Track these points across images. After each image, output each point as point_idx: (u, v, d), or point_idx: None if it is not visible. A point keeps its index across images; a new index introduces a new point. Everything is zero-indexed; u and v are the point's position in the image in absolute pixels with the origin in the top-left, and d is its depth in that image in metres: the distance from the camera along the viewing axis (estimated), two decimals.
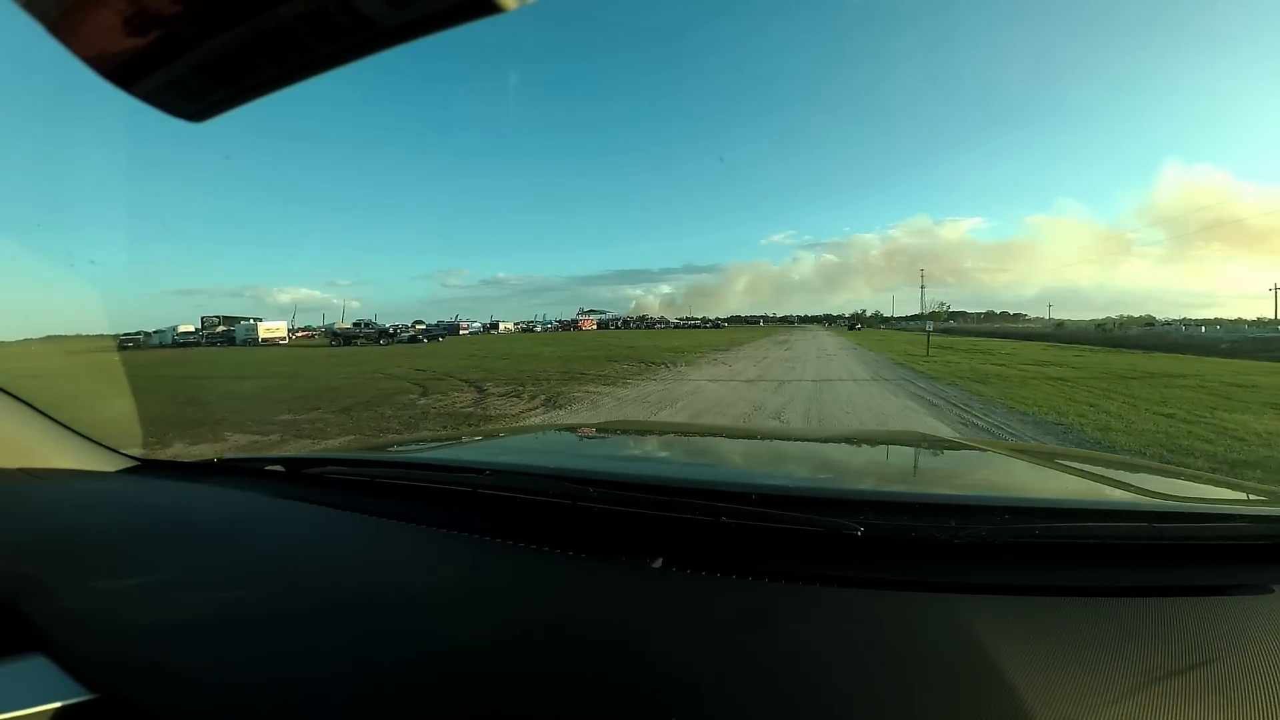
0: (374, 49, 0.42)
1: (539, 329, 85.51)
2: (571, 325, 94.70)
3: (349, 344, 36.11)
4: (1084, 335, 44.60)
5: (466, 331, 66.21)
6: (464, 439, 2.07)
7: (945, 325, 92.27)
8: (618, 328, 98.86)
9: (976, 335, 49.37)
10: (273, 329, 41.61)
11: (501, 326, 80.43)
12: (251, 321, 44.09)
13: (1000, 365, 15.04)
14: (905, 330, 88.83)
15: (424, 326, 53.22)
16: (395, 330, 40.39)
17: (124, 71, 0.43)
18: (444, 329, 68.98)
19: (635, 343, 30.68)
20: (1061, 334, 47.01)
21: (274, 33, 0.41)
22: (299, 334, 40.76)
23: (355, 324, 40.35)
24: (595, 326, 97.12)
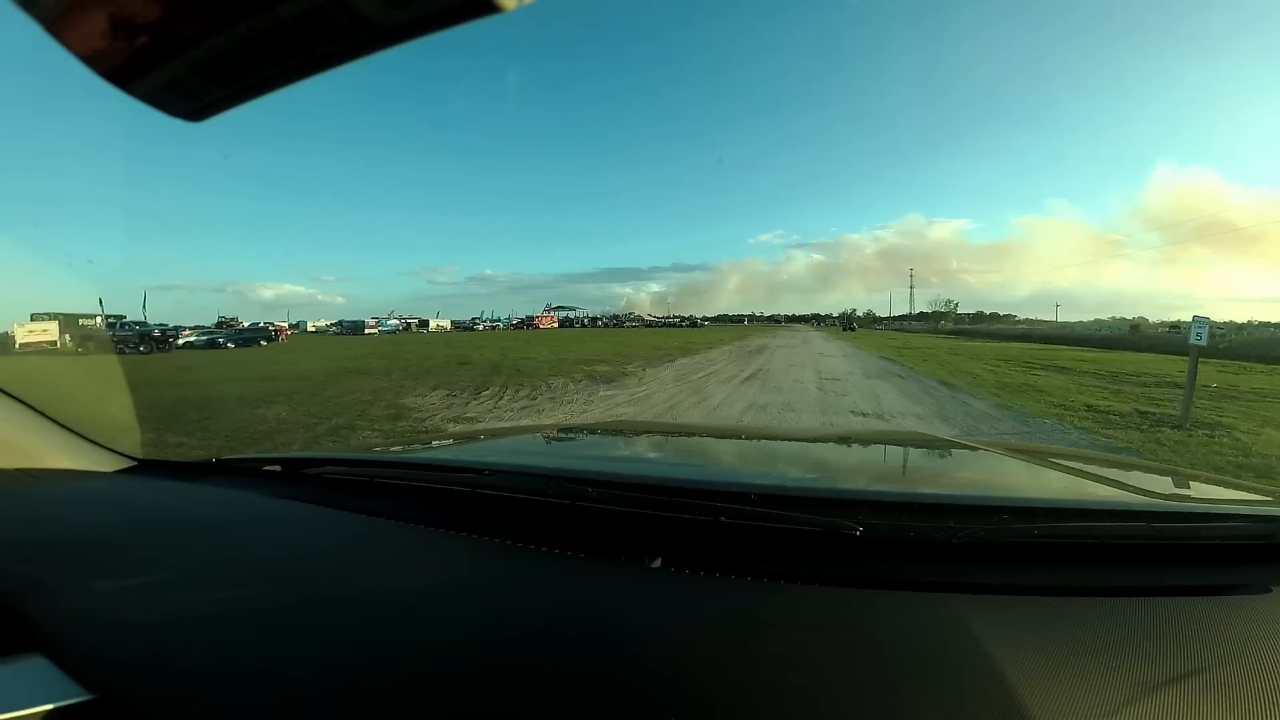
0: (372, 49, 0.42)
1: (481, 327, 74.90)
2: (526, 323, 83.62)
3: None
4: (1169, 342, 31.66)
5: (374, 330, 55.10)
6: (463, 439, 2.03)
7: (958, 327, 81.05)
8: (583, 326, 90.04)
9: (1006, 339, 39.05)
10: (36, 331, 27.98)
11: (433, 324, 73.07)
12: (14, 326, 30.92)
13: None
14: (908, 330, 77.69)
15: (244, 327, 39.77)
16: (165, 335, 26.19)
17: (122, 71, 0.42)
18: (348, 327, 56.89)
19: (539, 353, 18.36)
20: (1142, 340, 35.12)
21: (272, 32, 0.40)
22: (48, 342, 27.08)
23: (110, 321, 26.70)
24: (556, 324, 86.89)
